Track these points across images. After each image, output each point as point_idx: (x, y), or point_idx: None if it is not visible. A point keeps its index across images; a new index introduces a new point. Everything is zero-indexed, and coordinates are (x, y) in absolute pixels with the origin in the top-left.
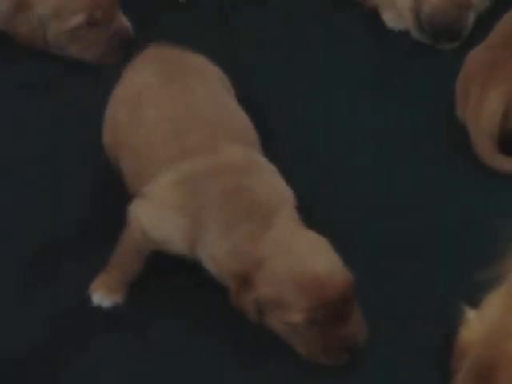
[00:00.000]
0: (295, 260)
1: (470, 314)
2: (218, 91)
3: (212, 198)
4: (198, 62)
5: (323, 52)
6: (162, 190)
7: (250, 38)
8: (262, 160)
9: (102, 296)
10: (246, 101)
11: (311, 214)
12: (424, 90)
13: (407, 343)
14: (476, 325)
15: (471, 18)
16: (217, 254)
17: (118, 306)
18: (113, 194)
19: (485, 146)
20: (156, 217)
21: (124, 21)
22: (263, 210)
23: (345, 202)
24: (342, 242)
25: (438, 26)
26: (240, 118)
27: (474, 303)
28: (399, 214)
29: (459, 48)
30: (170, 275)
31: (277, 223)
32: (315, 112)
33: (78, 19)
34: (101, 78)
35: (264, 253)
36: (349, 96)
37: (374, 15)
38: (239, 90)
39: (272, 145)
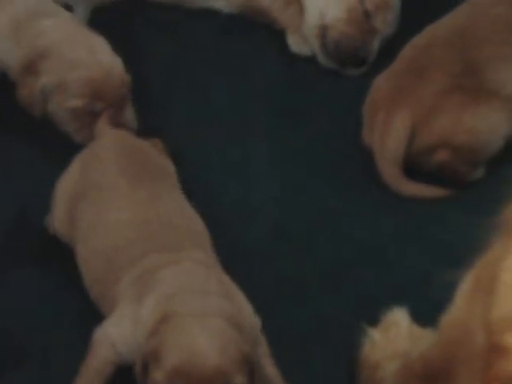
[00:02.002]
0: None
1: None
2: (179, 195)
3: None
4: (157, 157)
5: (232, 77)
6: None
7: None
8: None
9: None
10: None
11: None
12: (330, 116)
13: (312, 368)
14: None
15: (376, 43)
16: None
17: None
18: None
19: (391, 172)
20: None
21: (128, 114)
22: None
23: (248, 235)
24: (246, 275)
25: (344, 51)
26: (197, 222)
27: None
28: (304, 242)
29: (365, 74)
30: None
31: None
32: (223, 135)
33: (76, 103)
34: None
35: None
36: (254, 122)
37: (282, 38)
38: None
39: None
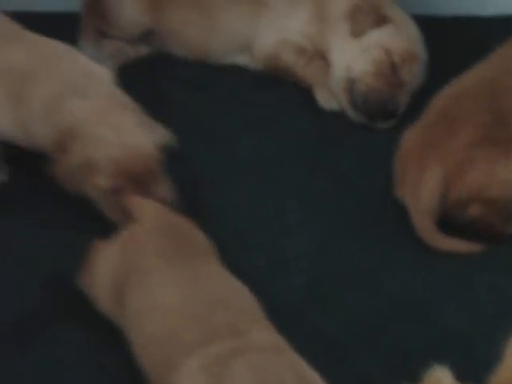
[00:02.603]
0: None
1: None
2: (220, 268)
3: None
4: (194, 232)
5: (261, 132)
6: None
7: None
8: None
9: None
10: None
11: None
12: (360, 170)
13: None
14: None
15: (405, 96)
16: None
17: None
18: None
19: (424, 225)
20: None
21: (164, 190)
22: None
23: (281, 292)
24: (280, 334)
25: (373, 104)
26: (245, 294)
27: None
28: (339, 298)
29: (394, 126)
30: None
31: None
32: (253, 190)
33: (103, 182)
34: None
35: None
36: (283, 176)
37: (309, 94)
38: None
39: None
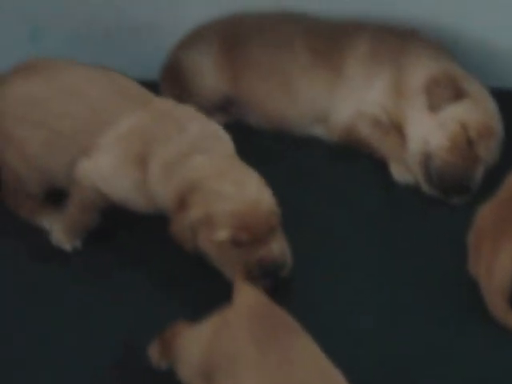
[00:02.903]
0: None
1: None
2: (313, 350)
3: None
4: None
5: (335, 205)
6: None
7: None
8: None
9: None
10: None
11: None
12: (435, 245)
13: None
14: None
15: (480, 171)
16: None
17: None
18: None
19: (498, 304)
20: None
21: (274, 249)
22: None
23: (352, 366)
24: None
25: (448, 179)
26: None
27: None
28: (410, 377)
29: (470, 202)
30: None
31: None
32: (325, 264)
33: (222, 235)
34: None
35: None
36: (360, 251)
37: (384, 167)
38: None
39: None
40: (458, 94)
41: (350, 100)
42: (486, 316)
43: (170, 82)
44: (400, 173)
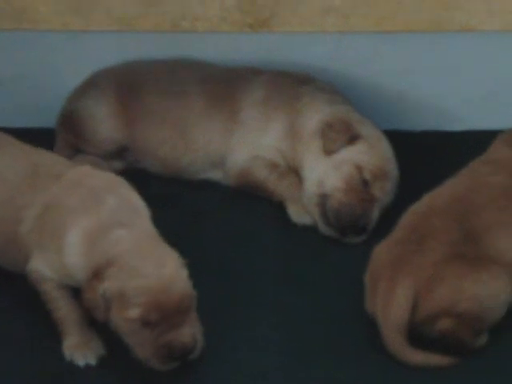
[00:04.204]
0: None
1: None
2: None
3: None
4: None
5: (233, 247)
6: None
7: None
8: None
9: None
10: None
11: None
12: (332, 284)
13: None
14: None
15: (376, 211)
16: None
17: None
18: None
19: (395, 340)
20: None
21: (185, 333)
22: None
23: None
24: None
25: (344, 219)
26: None
27: None
28: None
29: (366, 242)
30: None
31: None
32: (223, 302)
33: (133, 312)
34: None
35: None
36: (258, 291)
37: (281, 209)
38: None
39: None
40: (352, 138)
41: (246, 144)
42: (383, 352)
43: (66, 129)
44: (297, 214)
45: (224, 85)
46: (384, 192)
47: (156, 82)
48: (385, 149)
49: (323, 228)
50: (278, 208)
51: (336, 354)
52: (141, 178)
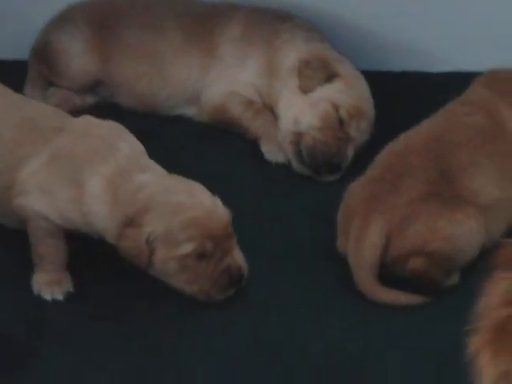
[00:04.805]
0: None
1: None
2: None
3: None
4: None
5: (206, 183)
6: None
7: None
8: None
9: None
10: None
11: None
12: (304, 223)
13: None
14: None
15: (351, 150)
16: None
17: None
18: None
19: (366, 279)
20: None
21: (238, 257)
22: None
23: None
24: None
25: (318, 157)
26: None
27: None
28: (280, 350)
29: (340, 180)
30: None
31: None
32: None
33: (187, 248)
34: None
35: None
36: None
37: (255, 146)
38: None
39: None
40: (330, 76)
41: (222, 80)
42: (354, 291)
43: (39, 61)
44: (271, 152)
45: (201, 20)
46: (360, 131)
47: (132, 16)
48: (362, 88)
49: (297, 166)
50: (252, 145)
51: (306, 292)
52: (114, 114)
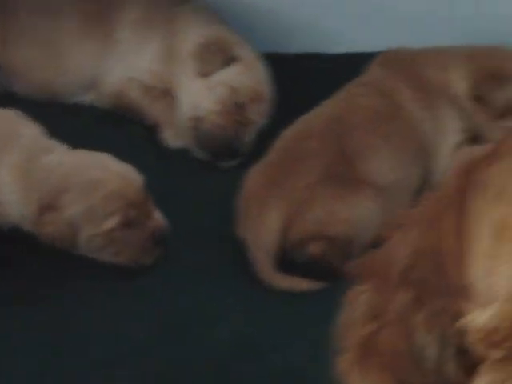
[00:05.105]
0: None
1: None
2: None
3: None
4: None
5: None
6: None
7: None
8: None
9: None
10: None
11: None
12: (204, 208)
13: None
14: None
15: (250, 135)
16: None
17: None
18: None
19: (263, 264)
20: None
21: (159, 218)
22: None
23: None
24: None
25: (217, 142)
26: None
27: None
28: (178, 333)
29: (240, 165)
30: None
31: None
32: None
33: (112, 222)
34: None
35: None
36: None
37: (156, 132)
38: None
39: None
40: (228, 59)
41: (121, 65)
42: (252, 276)
43: None
44: (171, 138)
45: (99, 4)
46: (259, 115)
47: None
48: (261, 71)
49: (197, 151)
50: (152, 131)
51: (205, 278)
52: (10, 101)
